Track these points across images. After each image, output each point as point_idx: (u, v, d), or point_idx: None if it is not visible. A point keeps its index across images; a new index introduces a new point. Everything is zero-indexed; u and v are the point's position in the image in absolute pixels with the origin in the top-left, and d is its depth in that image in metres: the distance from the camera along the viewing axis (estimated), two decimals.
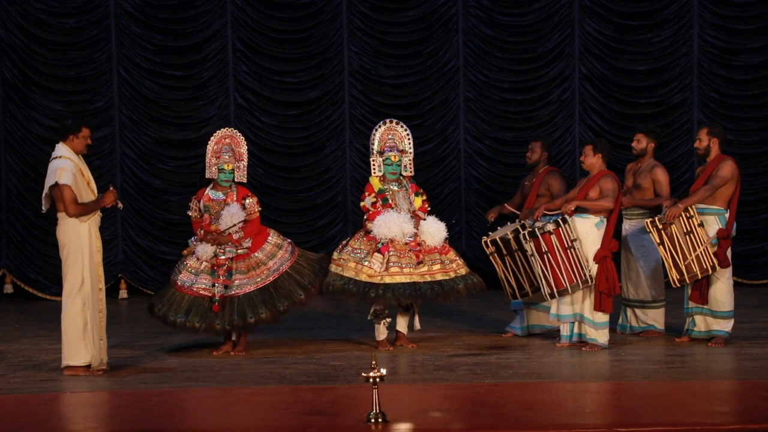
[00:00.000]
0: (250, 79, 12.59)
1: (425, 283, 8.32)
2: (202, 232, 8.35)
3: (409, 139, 8.63)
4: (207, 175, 8.44)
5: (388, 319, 8.55)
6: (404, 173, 8.61)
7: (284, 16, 12.63)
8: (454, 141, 12.66)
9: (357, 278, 8.34)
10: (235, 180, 8.48)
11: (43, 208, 7.72)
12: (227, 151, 8.43)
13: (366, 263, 8.35)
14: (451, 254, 8.52)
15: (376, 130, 8.66)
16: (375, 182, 8.61)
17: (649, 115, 12.40)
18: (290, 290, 8.37)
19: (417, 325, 8.64)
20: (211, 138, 8.49)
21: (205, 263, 8.28)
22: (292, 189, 12.67)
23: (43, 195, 7.63)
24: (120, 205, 7.78)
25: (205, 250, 8.31)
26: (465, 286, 8.42)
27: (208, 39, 12.56)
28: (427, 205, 8.62)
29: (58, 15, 12.44)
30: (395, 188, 8.58)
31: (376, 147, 8.59)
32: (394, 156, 8.54)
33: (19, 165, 12.45)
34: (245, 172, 8.55)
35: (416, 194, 8.61)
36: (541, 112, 12.68)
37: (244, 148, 8.54)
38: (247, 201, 8.43)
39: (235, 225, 8.32)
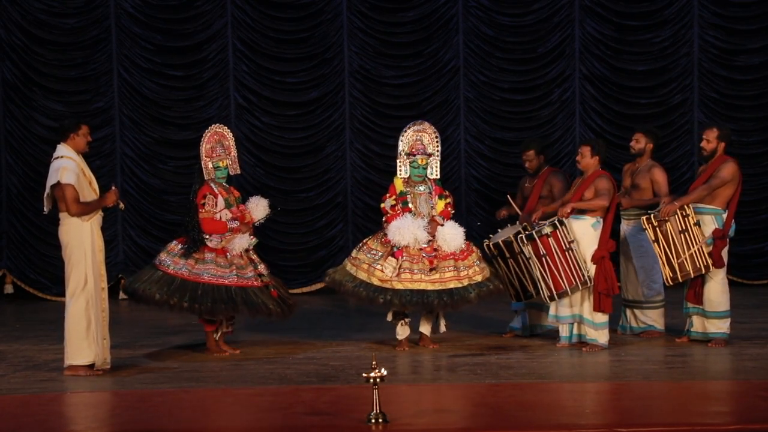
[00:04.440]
0: (250, 79, 12.59)
1: (434, 292, 8.24)
2: (237, 224, 8.35)
3: (437, 142, 8.61)
4: (206, 177, 8.40)
5: (408, 319, 8.55)
6: (430, 176, 8.58)
7: (284, 17, 12.63)
8: (455, 141, 12.66)
9: (368, 281, 8.32)
10: (230, 174, 8.50)
11: (45, 208, 7.70)
12: (218, 147, 8.44)
13: (378, 266, 8.34)
14: (469, 260, 8.38)
15: (406, 130, 8.63)
16: (398, 183, 8.57)
17: (649, 115, 12.40)
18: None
19: (442, 327, 8.60)
20: (201, 140, 8.47)
21: (238, 256, 8.30)
22: (292, 189, 12.67)
23: (45, 195, 7.61)
24: (122, 205, 7.78)
25: (247, 241, 8.33)
26: (478, 293, 8.29)
27: (209, 39, 12.57)
28: (450, 209, 8.54)
29: (58, 15, 12.45)
30: (419, 191, 8.56)
31: (404, 148, 8.57)
32: (422, 159, 8.51)
33: (19, 165, 12.47)
34: (237, 164, 8.58)
35: (440, 197, 8.54)
36: (541, 113, 12.68)
37: (231, 141, 8.55)
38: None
39: (267, 215, 8.61)
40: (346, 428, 5.86)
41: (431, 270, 8.30)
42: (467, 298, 8.28)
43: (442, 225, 8.42)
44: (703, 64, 12.58)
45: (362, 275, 8.37)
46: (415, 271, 8.30)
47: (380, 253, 8.40)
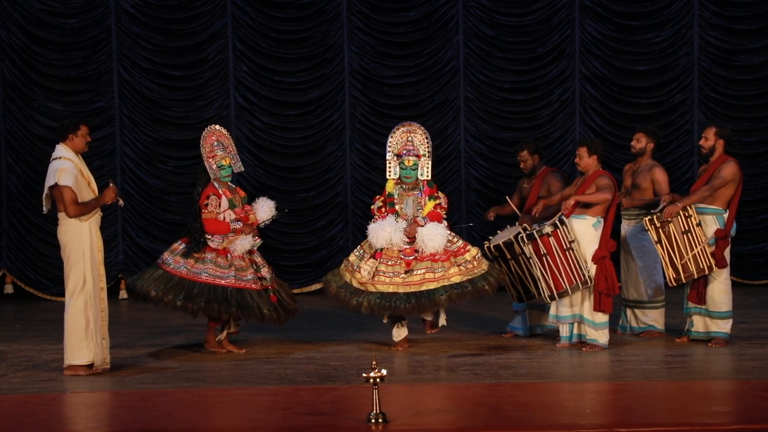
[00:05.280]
0: (250, 79, 12.59)
1: (403, 295, 8.20)
2: (240, 225, 8.35)
3: (428, 143, 8.56)
4: (211, 177, 8.41)
5: (404, 321, 8.53)
6: (420, 177, 8.56)
7: (285, 16, 12.63)
8: (455, 141, 12.66)
9: (350, 282, 8.37)
10: (234, 171, 8.50)
11: (44, 209, 7.71)
12: (218, 147, 8.44)
13: (359, 267, 8.38)
14: (451, 261, 8.30)
15: (395, 131, 8.61)
16: (389, 185, 8.55)
17: (649, 115, 12.40)
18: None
19: (442, 321, 8.55)
20: (200, 142, 8.47)
21: (239, 257, 8.30)
22: (292, 189, 12.67)
23: (44, 196, 7.62)
24: (121, 202, 7.78)
25: (250, 242, 8.33)
26: (449, 296, 8.18)
27: (209, 39, 12.57)
28: (440, 210, 8.48)
29: (58, 15, 12.45)
30: (409, 192, 8.54)
31: (393, 149, 8.56)
32: (408, 160, 8.47)
33: (19, 165, 12.47)
34: (239, 162, 8.58)
35: (430, 198, 8.49)
36: (541, 113, 12.68)
37: (230, 139, 8.55)
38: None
39: (272, 217, 8.57)
40: (346, 428, 5.86)
41: (407, 272, 8.29)
42: (436, 300, 8.21)
43: (423, 226, 8.40)
44: (703, 64, 12.58)
45: (347, 276, 8.42)
46: (390, 273, 8.30)
47: (366, 255, 8.43)
